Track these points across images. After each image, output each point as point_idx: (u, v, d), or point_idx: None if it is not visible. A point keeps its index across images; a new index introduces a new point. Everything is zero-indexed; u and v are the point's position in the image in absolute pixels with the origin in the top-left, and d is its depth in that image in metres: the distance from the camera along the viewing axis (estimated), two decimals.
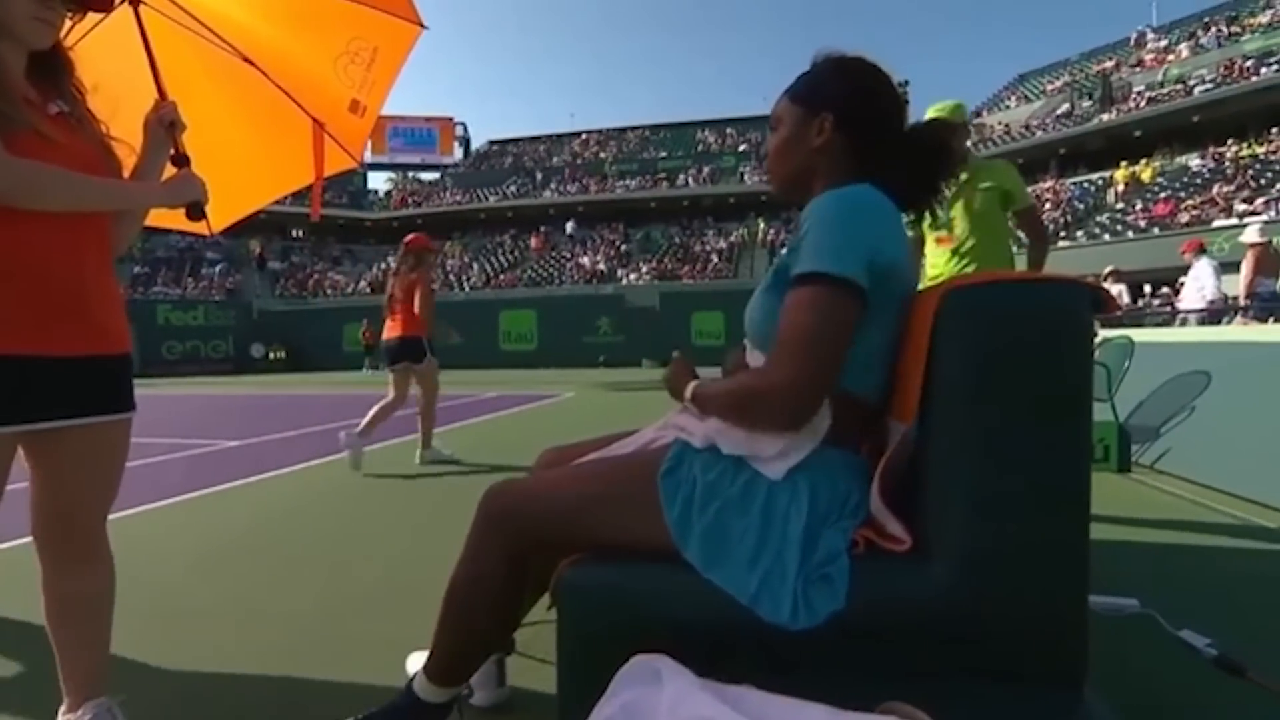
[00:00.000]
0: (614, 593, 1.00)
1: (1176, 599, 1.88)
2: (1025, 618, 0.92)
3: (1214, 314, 6.42)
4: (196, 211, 1.31)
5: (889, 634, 0.93)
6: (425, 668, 1.13)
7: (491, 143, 46.40)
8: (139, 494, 3.50)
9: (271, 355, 22.47)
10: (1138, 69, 28.62)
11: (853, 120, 1.08)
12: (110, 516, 1.30)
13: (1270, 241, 6.38)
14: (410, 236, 4.72)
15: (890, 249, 0.98)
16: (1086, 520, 0.91)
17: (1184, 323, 6.61)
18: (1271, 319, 5.76)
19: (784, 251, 1.09)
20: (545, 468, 1.31)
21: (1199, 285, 6.67)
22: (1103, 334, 4.89)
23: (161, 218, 1.45)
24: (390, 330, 4.48)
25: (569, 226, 34.26)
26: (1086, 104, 28.50)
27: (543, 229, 33.97)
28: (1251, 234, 6.38)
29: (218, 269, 31.08)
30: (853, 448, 1.05)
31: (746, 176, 34.76)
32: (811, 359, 0.92)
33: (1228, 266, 7.54)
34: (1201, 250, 6.92)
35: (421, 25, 1.84)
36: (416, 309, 4.37)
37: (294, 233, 36.39)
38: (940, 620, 0.91)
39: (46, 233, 1.11)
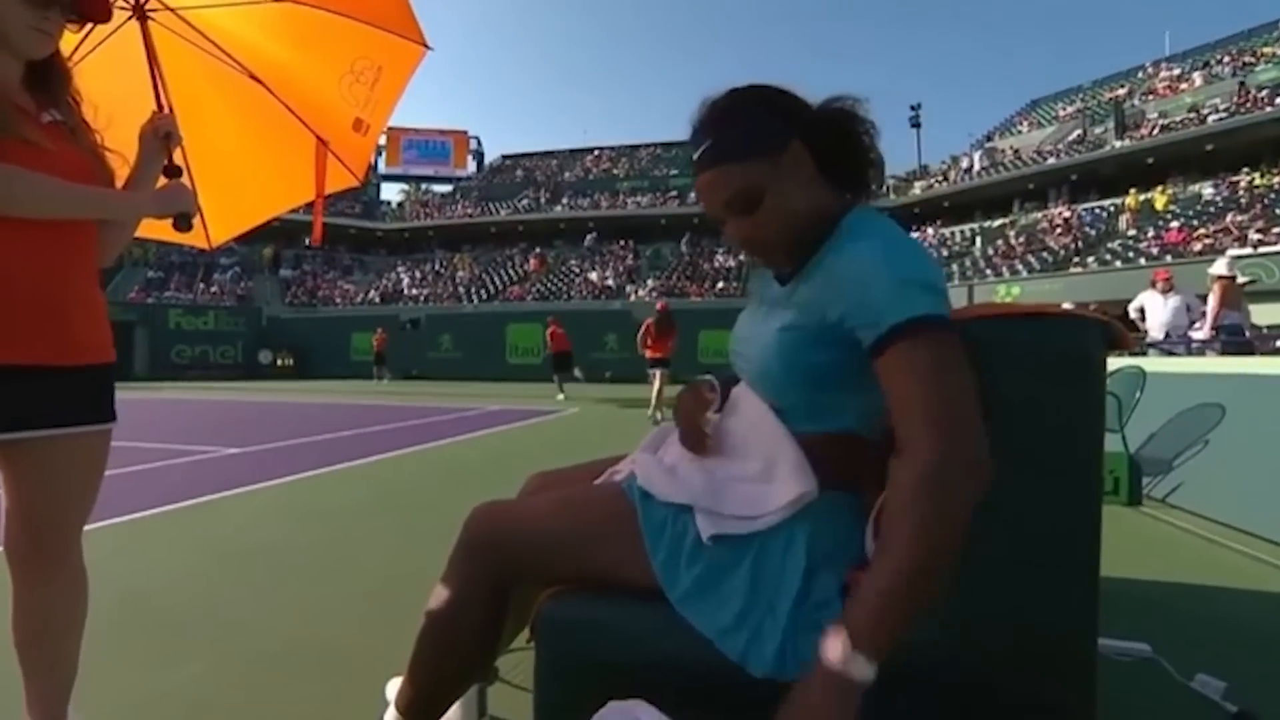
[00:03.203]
0: (594, 628, 0.96)
1: (1190, 642, 1.81)
2: (1030, 666, 0.87)
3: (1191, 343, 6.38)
4: (184, 223, 1.29)
5: (885, 681, 0.88)
6: (397, 702, 1.09)
7: (504, 157, 46.90)
8: (130, 501, 3.49)
9: (279, 362, 22.61)
10: (1150, 97, 28.67)
11: (809, 131, 0.95)
12: (97, 525, 1.28)
13: (1236, 276, 6.42)
14: (663, 306, 9.54)
15: (945, 284, 0.88)
16: (1096, 565, 0.87)
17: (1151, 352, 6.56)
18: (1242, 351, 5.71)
19: (803, 295, 0.94)
20: (532, 494, 1.26)
21: (1186, 316, 6.63)
22: (1114, 363, 4.83)
23: (152, 229, 1.44)
24: (653, 351, 8.92)
25: (588, 239, 34.51)
26: (1099, 130, 28.52)
27: (539, 250, 34.16)
28: (1220, 267, 6.40)
29: (229, 275, 31.41)
30: (858, 490, 0.98)
31: None
32: (969, 416, 0.78)
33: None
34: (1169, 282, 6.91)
35: (426, 46, 1.84)
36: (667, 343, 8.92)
37: (306, 240, 36.76)
38: (939, 667, 0.87)
39: (25, 239, 1.09)
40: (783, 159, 0.92)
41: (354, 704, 1.45)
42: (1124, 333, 0.86)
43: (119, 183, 1.28)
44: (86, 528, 1.28)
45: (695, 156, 0.95)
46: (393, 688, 1.37)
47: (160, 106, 1.38)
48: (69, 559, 1.24)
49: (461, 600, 1.03)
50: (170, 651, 1.80)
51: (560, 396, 12.20)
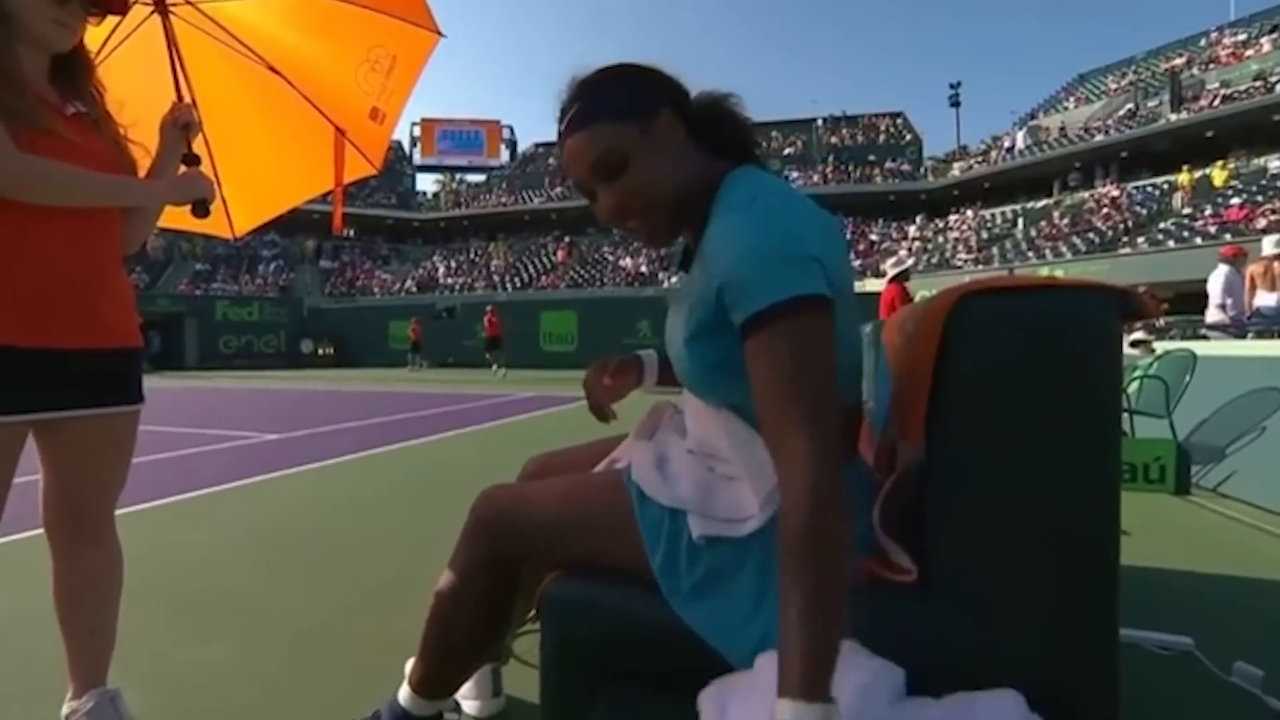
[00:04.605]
0: (597, 608, 0.95)
1: (1236, 638, 1.73)
2: (1044, 660, 0.83)
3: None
4: (201, 209, 1.33)
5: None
6: (410, 678, 1.11)
7: (537, 145, 46.97)
8: (174, 485, 3.63)
9: (320, 351, 23.24)
10: (1211, 66, 27.13)
11: (679, 103, 0.94)
12: (140, 506, 1.33)
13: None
14: None
15: (828, 241, 0.83)
16: (1115, 551, 0.83)
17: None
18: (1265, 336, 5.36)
19: (690, 286, 0.92)
20: (531, 477, 1.27)
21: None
22: (1162, 346, 4.62)
23: (174, 218, 1.48)
24: None
25: None
26: (1152, 104, 27.17)
27: (570, 239, 34.27)
28: (1268, 245, 5.97)
29: (272, 267, 32.34)
30: (850, 458, 0.96)
31: (791, 180, 34.34)
32: (829, 414, 0.75)
33: None
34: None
35: (439, 33, 1.84)
36: None
37: (346, 232, 37.64)
38: (946, 660, 0.84)
39: (54, 228, 1.13)
40: (653, 126, 0.90)
41: (374, 686, 1.48)
42: (1145, 302, 0.80)
43: (141, 172, 1.32)
44: (129, 510, 1.34)
45: (564, 124, 0.92)
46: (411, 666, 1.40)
47: (180, 98, 1.40)
48: (102, 534, 1.30)
49: (467, 581, 1.04)
50: (202, 629, 1.87)
51: (501, 374, 15.10)
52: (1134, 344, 4.55)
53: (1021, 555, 0.81)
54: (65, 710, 1.28)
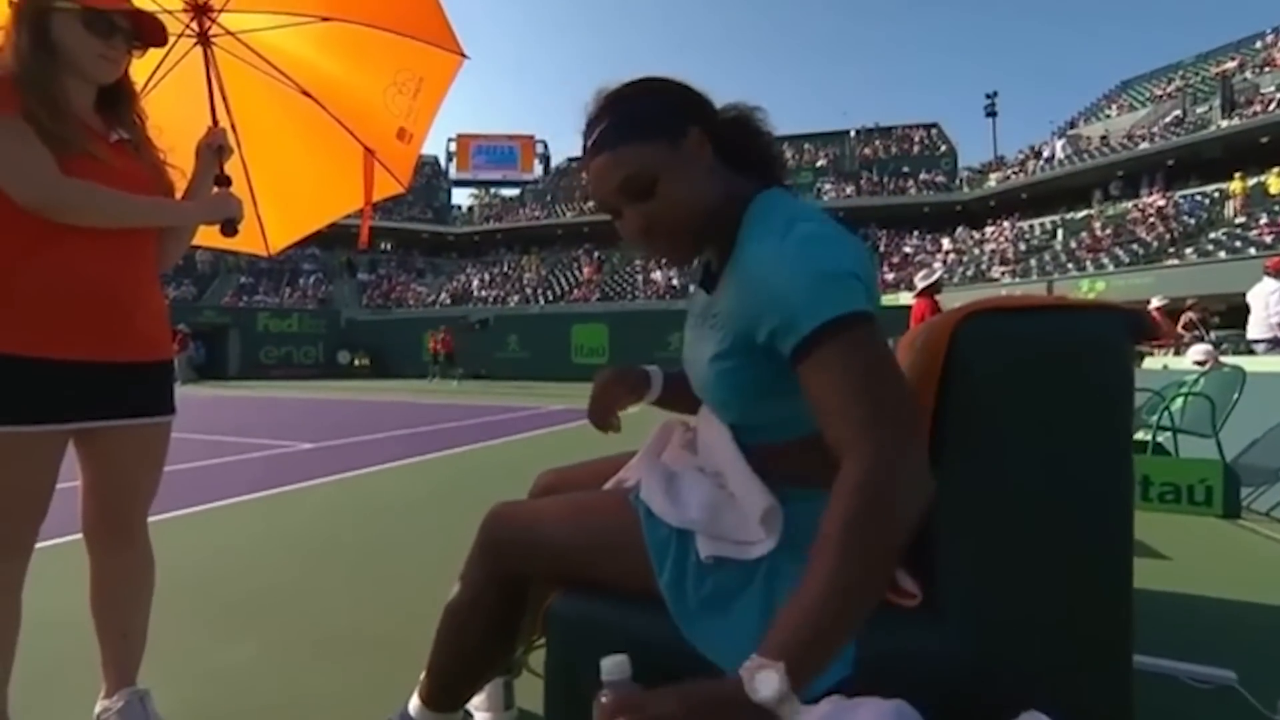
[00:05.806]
0: (601, 625, 0.96)
1: None
2: (1055, 686, 0.81)
3: None
4: (229, 228, 1.39)
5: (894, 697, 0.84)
6: (420, 691, 1.12)
7: (571, 159, 47.59)
8: (213, 491, 3.75)
9: (356, 362, 23.76)
10: (1267, 69, 26.14)
11: (707, 120, 0.92)
12: (179, 511, 1.38)
13: None
14: None
15: (865, 264, 0.83)
16: (1128, 573, 0.80)
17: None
18: None
19: (720, 307, 0.91)
20: (542, 492, 1.28)
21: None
22: (1210, 363, 4.44)
23: (209, 237, 1.54)
24: None
25: None
26: (1201, 110, 26.29)
27: (599, 254, 34.53)
28: None
29: (312, 279, 33.30)
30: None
31: (824, 192, 34.10)
32: (906, 420, 0.73)
33: None
34: None
35: (463, 55, 1.89)
36: None
37: (382, 246, 38.63)
38: (951, 686, 0.82)
39: (95, 248, 1.20)
40: (681, 144, 0.88)
41: (400, 691, 1.50)
42: (1155, 323, 0.78)
43: (178, 194, 1.39)
44: (169, 515, 1.39)
45: (590, 141, 0.90)
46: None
47: (215, 123, 1.48)
48: (136, 537, 1.36)
49: (476, 598, 1.05)
50: (233, 632, 1.92)
51: (455, 384, 16.70)
52: (1198, 363, 4.38)
53: (1030, 579, 0.80)
54: (98, 709, 1.33)
